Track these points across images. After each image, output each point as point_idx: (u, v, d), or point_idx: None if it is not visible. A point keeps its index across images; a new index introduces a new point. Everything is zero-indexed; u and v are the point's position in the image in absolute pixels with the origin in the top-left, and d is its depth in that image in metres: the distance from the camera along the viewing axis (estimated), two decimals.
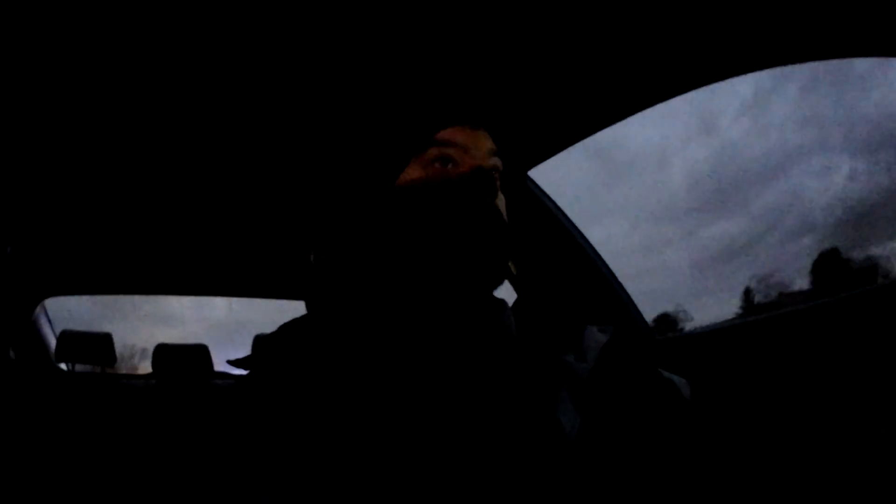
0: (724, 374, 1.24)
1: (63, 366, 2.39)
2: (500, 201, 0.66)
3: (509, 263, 1.73)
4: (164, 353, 2.33)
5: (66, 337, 2.30)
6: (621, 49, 1.06)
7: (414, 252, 0.61)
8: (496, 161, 0.67)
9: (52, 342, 2.43)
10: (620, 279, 1.56)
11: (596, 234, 1.57)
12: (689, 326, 1.71)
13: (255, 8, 1.00)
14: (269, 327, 0.69)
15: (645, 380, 0.64)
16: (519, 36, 1.05)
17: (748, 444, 1.08)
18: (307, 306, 0.72)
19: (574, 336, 0.64)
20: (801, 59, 1.00)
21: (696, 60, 1.07)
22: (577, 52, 1.08)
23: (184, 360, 2.34)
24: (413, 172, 0.64)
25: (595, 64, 1.11)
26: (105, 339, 2.33)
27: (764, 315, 1.27)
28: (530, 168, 1.48)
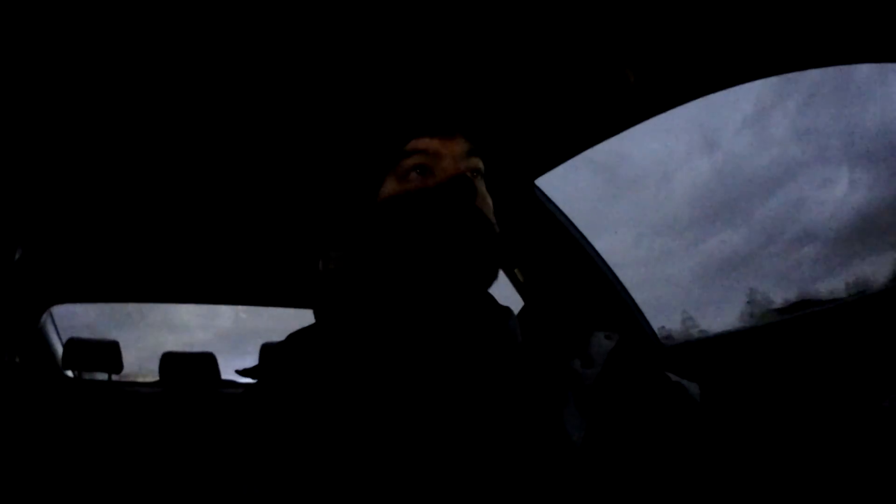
0: (732, 379, 1.23)
1: (70, 373, 2.40)
2: (485, 202, 0.66)
3: (515, 270, 1.73)
4: (171, 361, 2.33)
5: (72, 344, 2.31)
6: (626, 60, 1.07)
7: (401, 264, 0.61)
8: (473, 162, 0.66)
9: (59, 349, 2.44)
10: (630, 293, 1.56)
11: (600, 246, 1.57)
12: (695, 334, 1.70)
13: (263, 19, 1.02)
14: (275, 335, 0.69)
15: (652, 385, 0.64)
16: (525, 46, 1.06)
17: (756, 448, 1.07)
18: (315, 315, 0.72)
19: (580, 342, 0.64)
20: (803, 66, 1.00)
21: (699, 70, 1.07)
22: (582, 63, 1.09)
23: (190, 368, 2.34)
24: (390, 186, 0.64)
25: (600, 74, 1.11)
26: (112, 347, 2.33)
27: (771, 321, 1.27)
28: (537, 177, 1.48)
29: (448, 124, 0.65)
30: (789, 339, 1.18)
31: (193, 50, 1.11)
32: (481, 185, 0.66)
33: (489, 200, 0.67)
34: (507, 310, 0.68)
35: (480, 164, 0.66)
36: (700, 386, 0.68)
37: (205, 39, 1.08)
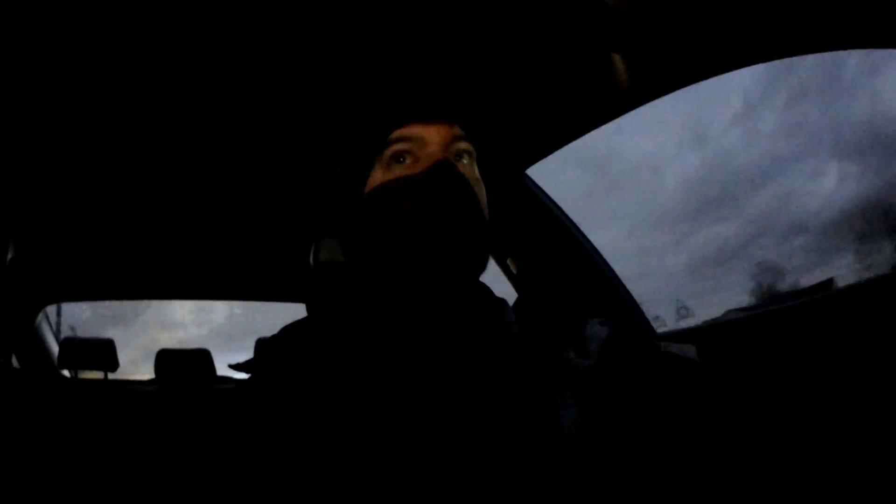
0: (726, 368, 1.24)
1: (66, 372, 2.40)
2: (478, 185, 0.65)
3: (508, 261, 1.73)
4: (167, 358, 2.33)
5: (68, 344, 2.30)
6: (615, 47, 1.07)
7: (387, 254, 0.61)
8: (462, 146, 0.64)
9: (55, 349, 2.44)
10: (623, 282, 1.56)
11: (594, 240, 1.57)
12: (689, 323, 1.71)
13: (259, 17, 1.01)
14: (270, 331, 0.69)
15: (647, 374, 0.64)
16: (513, 35, 1.06)
17: (752, 438, 1.08)
18: (308, 309, 0.72)
19: (575, 331, 0.64)
20: (796, 51, 1.00)
21: (689, 57, 1.07)
22: (572, 51, 1.09)
23: (186, 364, 2.34)
24: (377, 175, 0.63)
25: (590, 62, 1.11)
26: (107, 345, 2.33)
27: (764, 309, 1.27)
28: (528, 166, 1.48)
29: (433, 110, 0.64)
30: (785, 326, 1.18)
31: (183, 46, 1.11)
32: (471, 169, 0.65)
33: (482, 185, 0.66)
34: (503, 302, 0.68)
35: (470, 147, 0.65)
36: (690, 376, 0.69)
37: (192, 33, 1.07)
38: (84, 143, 1.45)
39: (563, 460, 0.55)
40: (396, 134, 0.62)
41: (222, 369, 2.41)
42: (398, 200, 0.61)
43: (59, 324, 4.37)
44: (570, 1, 0.95)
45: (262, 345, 2.33)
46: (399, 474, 0.51)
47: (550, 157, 1.45)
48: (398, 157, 0.62)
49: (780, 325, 1.21)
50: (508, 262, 1.66)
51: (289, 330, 0.66)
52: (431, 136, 0.62)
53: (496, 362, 0.60)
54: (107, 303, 2.70)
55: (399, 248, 0.60)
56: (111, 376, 2.36)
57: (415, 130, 0.62)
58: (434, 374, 0.57)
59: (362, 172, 0.65)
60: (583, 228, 1.55)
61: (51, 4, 0.97)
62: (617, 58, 1.08)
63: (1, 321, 2.12)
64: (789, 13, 0.92)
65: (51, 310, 2.53)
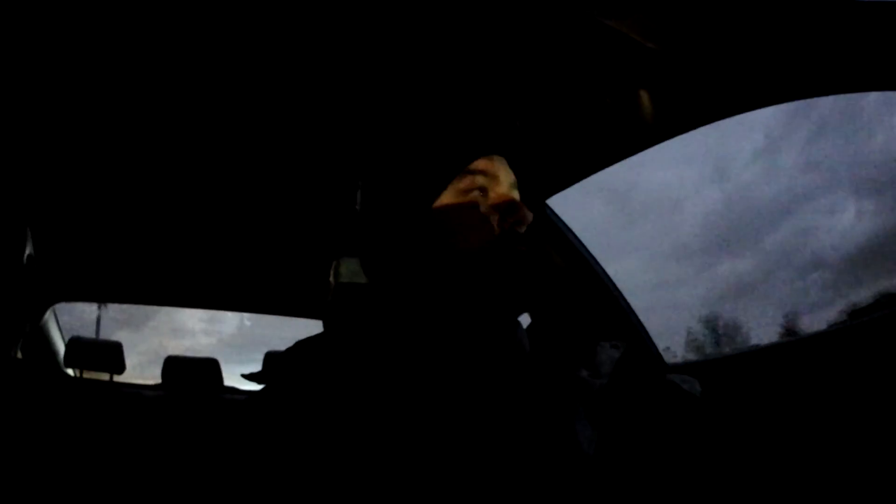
0: (738, 398, 1.23)
1: (71, 372, 2.40)
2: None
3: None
4: (174, 365, 2.33)
5: (75, 343, 2.31)
6: (642, 83, 1.08)
7: (449, 275, 0.61)
8: (517, 194, 0.67)
9: (61, 347, 2.45)
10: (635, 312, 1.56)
11: (612, 270, 1.57)
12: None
13: (296, 27, 1.03)
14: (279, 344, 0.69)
15: (658, 394, 0.64)
16: (540, 69, 1.07)
17: (761, 464, 1.06)
18: (325, 325, 0.72)
19: (587, 352, 0.65)
20: (816, 93, 1.01)
21: (714, 95, 1.08)
22: (599, 85, 1.10)
23: (193, 372, 2.34)
24: (448, 199, 0.64)
25: (617, 96, 1.12)
26: (115, 348, 2.33)
27: (774, 342, 1.27)
28: (548, 197, 1.49)
29: (504, 151, 0.66)
30: (796, 359, 1.17)
31: (208, 55, 1.12)
32: None
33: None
34: (517, 322, 0.68)
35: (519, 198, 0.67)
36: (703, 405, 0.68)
37: (218, 41, 1.09)
38: (106, 145, 1.47)
39: (580, 476, 0.55)
40: (475, 166, 0.64)
41: (229, 380, 2.42)
42: (472, 228, 0.62)
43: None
44: (599, 37, 0.96)
45: (274, 357, 2.33)
46: (416, 490, 0.51)
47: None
48: (473, 188, 0.64)
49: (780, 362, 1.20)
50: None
51: (304, 344, 0.66)
52: (504, 177, 0.65)
53: (512, 380, 0.60)
54: (116, 305, 2.72)
55: (462, 277, 0.60)
56: (116, 378, 2.37)
57: (490, 166, 0.65)
58: (451, 390, 0.57)
59: (431, 194, 0.65)
60: (600, 259, 1.56)
61: (70, 9, 0.99)
62: (644, 93, 1.09)
63: (10, 314, 2.13)
64: (810, 56, 0.93)
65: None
